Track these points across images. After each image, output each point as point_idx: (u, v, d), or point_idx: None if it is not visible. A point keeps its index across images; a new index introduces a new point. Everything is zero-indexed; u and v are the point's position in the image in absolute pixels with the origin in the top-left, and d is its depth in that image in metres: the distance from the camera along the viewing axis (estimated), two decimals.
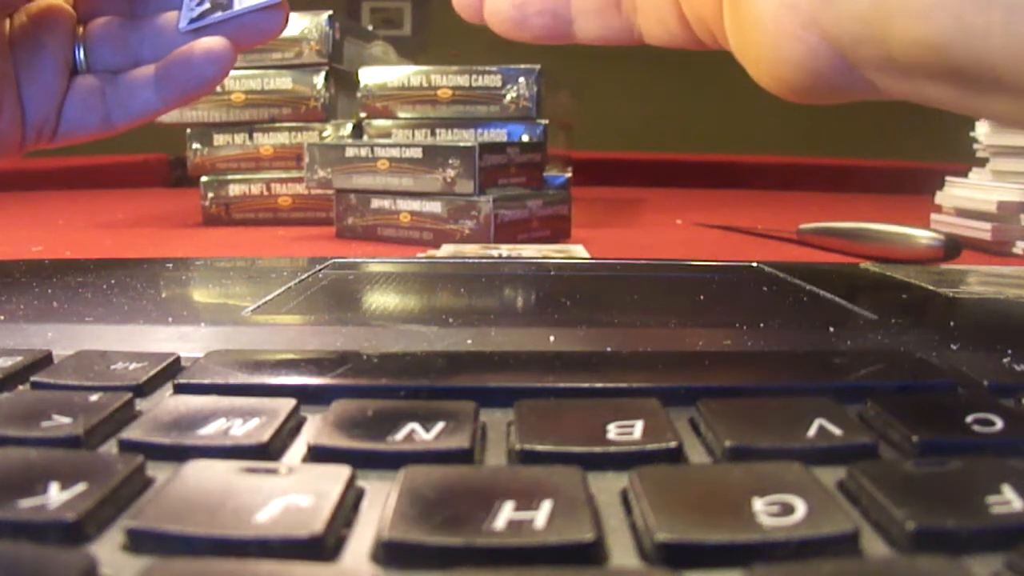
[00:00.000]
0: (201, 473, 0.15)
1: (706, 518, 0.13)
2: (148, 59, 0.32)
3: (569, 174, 0.87)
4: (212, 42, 0.30)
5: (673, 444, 0.17)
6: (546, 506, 0.14)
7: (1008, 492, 0.14)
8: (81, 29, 0.32)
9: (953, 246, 0.56)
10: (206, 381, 0.20)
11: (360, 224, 0.71)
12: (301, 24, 0.79)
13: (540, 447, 0.17)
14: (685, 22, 0.29)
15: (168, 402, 0.19)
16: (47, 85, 0.31)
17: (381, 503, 0.14)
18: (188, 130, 0.83)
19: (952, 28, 0.19)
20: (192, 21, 0.31)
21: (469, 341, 0.25)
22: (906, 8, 0.20)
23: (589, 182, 1.13)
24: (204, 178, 0.83)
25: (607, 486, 0.15)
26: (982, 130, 0.70)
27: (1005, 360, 0.23)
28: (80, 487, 0.14)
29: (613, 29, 0.30)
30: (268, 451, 0.17)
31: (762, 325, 0.26)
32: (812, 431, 0.17)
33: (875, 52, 0.22)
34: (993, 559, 0.13)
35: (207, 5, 0.31)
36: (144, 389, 0.21)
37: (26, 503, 0.14)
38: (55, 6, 0.31)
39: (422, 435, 0.17)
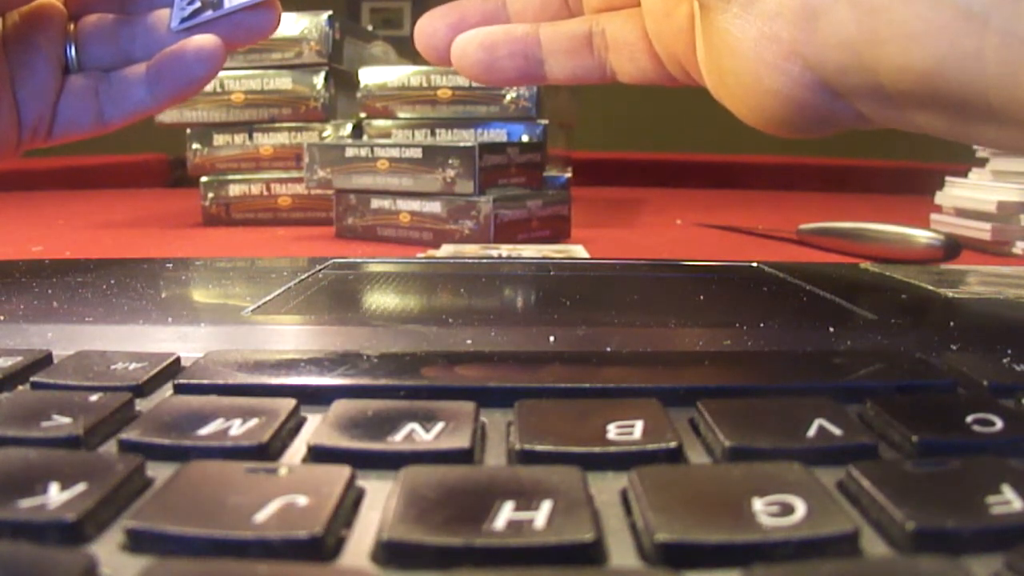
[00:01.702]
0: (201, 473, 0.15)
1: (706, 518, 0.13)
2: (140, 57, 0.32)
3: (569, 174, 0.87)
4: (203, 40, 0.30)
5: (673, 444, 0.17)
6: (546, 506, 0.14)
7: (1008, 492, 0.14)
8: (72, 27, 0.32)
9: (953, 246, 0.56)
10: (206, 381, 0.20)
11: (360, 224, 0.71)
12: (301, 24, 0.79)
13: (540, 447, 0.17)
14: (657, 59, 0.29)
15: (168, 402, 0.19)
16: (41, 85, 0.31)
17: (381, 503, 0.14)
18: (188, 130, 0.83)
19: (945, 54, 0.19)
20: (183, 20, 0.31)
21: (469, 341, 0.25)
22: (897, 33, 0.20)
23: (589, 182, 1.13)
24: (204, 178, 0.83)
25: (607, 486, 0.15)
26: None
27: (1005, 360, 0.23)
28: (80, 487, 0.14)
29: (585, 68, 0.30)
30: (268, 451, 0.17)
31: (762, 325, 0.26)
32: (812, 431, 0.17)
33: (862, 80, 0.21)
34: (993, 559, 0.13)
35: (198, 4, 0.31)
36: (144, 389, 0.21)
37: (26, 503, 0.14)
38: (46, 5, 0.31)
39: (422, 435, 0.17)
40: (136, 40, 0.32)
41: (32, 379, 0.21)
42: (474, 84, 0.77)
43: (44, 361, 0.22)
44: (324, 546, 0.13)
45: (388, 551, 0.13)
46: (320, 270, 0.37)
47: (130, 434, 0.17)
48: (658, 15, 0.28)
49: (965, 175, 0.72)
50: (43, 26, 0.31)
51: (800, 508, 0.14)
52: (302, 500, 0.14)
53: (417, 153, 0.67)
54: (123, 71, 0.32)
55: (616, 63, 0.30)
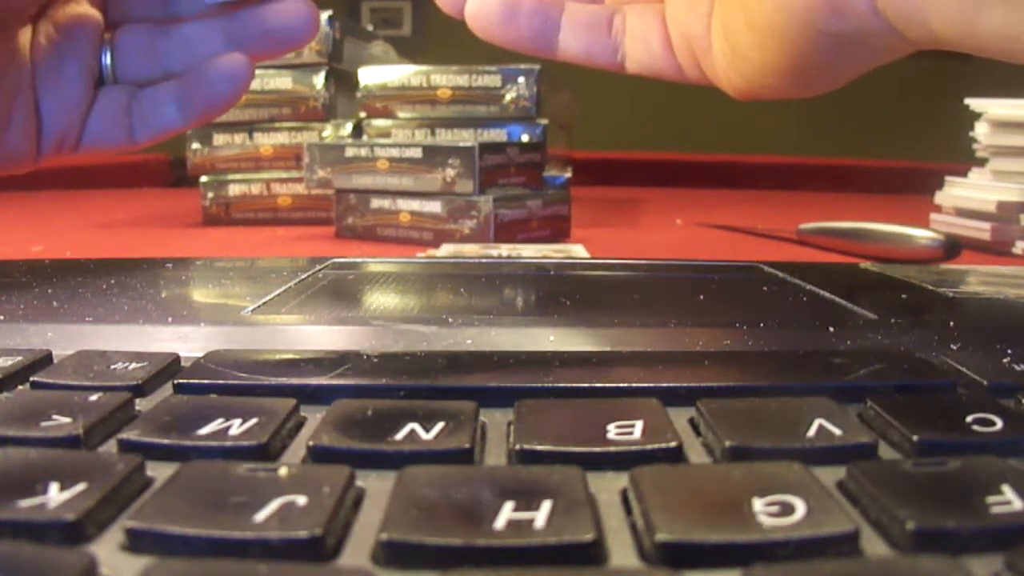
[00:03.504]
0: (201, 473, 0.15)
1: (706, 518, 0.13)
2: (177, 69, 0.31)
3: (569, 174, 0.87)
4: (229, 60, 0.30)
5: (673, 444, 0.17)
6: (546, 506, 0.14)
7: (1008, 492, 0.14)
8: (109, 36, 0.31)
9: (953, 246, 0.56)
10: (206, 381, 0.20)
11: (360, 224, 0.71)
12: None
13: (540, 447, 0.17)
14: (670, 48, 0.29)
15: (168, 402, 0.19)
16: (70, 97, 0.30)
17: (381, 503, 0.14)
18: (188, 130, 0.83)
19: None
20: None
21: (469, 341, 0.25)
22: None
23: (589, 182, 1.13)
24: (204, 178, 0.83)
25: (607, 486, 0.15)
26: (982, 130, 0.70)
27: (1005, 360, 0.23)
28: (80, 487, 0.14)
29: (599, 46, 0.30)
30: (268, 451, 0.17)
31: (762, 325, 0.26)
32: (812, 431, 0.17)
33: None
34: (993, 559, 0.13)
35: None
36: (144, 389, 0.21)
37: (26, 503, 0.14)
38: (83, 14, 0.30)
39: (422, 435, 0.17)
40: (175, 51, 0.31)
41: (32, 379, 0.21)
42: (474, 84, 0.77)
43: (44, 361, 0.22)
44: (324, 546, 0.13)
45: (388, 551, 0.13)
46: (320, 270, 0.37)
47: (130, 434, 0.17)
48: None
49: (965, 175, 0.72)
50: (78, 36, 0.30)
51: (800, 508, 0.14)
52: (302, 500, 0.14)
53: (417, 153, 0.67)
54: (154, 88, 0.31)
55: (630, 47, 0.30)
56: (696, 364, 0.23)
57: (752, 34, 0.25)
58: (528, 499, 0.14)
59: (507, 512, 0.14)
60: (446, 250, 0.60)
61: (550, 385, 0.20)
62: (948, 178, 0.73)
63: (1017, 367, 0.22)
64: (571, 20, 0.30)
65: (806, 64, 0.24)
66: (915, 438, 0.17)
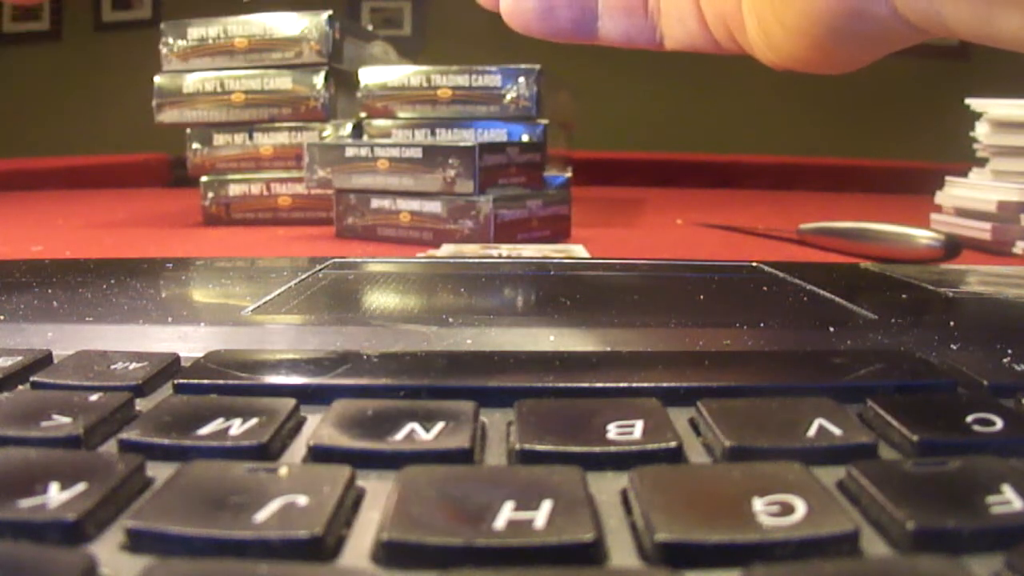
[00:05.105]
0: (201, 473, 0.15)
1: (706, 518, 0.13)
2: None
3: (569, 174, 0.87)
4: None
5: (673, 444, 0.17)
6: (546, 506, 0.14)
7: (1008, 492, 0.14)
8: None
9: (953, 246, 0.56)
10: (206, 381, 0.20)
11: (360, 224, 0.71)
12: (301, 24, 0.79)
13: (540, 447, 0.17)
14: (704, 23, 0.29)
15: (168, 402, 0.19)
16: None
17: (381, 503, 0.14)
18: (188, 130, 0.83)
19: None
20: None
21: (469, 341, 0.25)
22: None
23: (589, 182, 1.13)
24: (204, 178, 0.83)
25: (607, 486, 0.15)
26: (982, 130, 0.70)
27: (1005, 360, 0.23)
28: (80, 487, 0.14)
29: (637, 28, 0.30)
30: (268, 451, 0.17)
31: (762, 325, 0.26)
32: (812, 431, 0.17)
33: None
34: (993, 559, 0.13)
35: None
36: (144, 389, 0.21)
37: (26, 503, 0.14)
38: None
39: (422, 435, 0.17)
40: None
41: (32, 379, 0.21)
42: (474, 84, 0.77)
43: (44, 361, 0.22)
44: (324, 546, 0.13)
45: (388, 551, 0.13)
46: (320, 270, 0.37)
47: (130, 434, 0.17)
48: None
49: (965, 175, 0.72)
50: None
51: (800, 508, 0.14)
52: (302, 500, 0.14)
53: (417, 153, 0.67)
54: None
55: (666, 27, 0.30)
56: (696, 364, 0.23)
57: (781, 30, 0.25)
58: (528, 499, 0.14)
59: (507, 512, 0.14)
60: (446, 250, 0.60)
61: (550, 385, 0.20)
62: (948, 178, 0.73)
63: (1017, 367, 0.22)
64: (607, 6, 0.30)
65: (834, 56, 0.25)
66: (915, 438, 0.17)
